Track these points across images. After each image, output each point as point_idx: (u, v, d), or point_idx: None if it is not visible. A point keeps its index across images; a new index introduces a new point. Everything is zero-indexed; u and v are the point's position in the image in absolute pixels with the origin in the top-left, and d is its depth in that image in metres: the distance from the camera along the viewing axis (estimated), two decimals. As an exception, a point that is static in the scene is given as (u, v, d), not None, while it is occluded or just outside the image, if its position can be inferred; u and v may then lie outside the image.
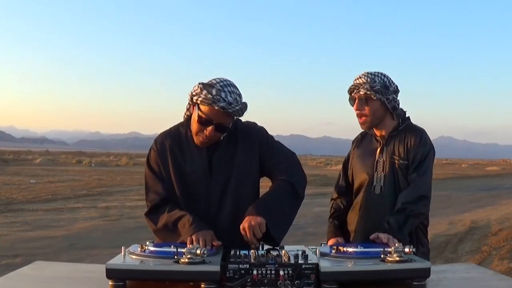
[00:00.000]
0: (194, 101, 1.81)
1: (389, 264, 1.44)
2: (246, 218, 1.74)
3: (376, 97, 2.01)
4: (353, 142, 2.29)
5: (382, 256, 1.48)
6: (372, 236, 1.83)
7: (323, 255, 1.52)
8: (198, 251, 1.40)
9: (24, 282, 1.59)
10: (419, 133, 2.07)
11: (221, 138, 1.88)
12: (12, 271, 1.69)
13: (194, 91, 1.81)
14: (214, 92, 1.76)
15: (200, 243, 1.66)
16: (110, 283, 1.39)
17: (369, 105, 2.03)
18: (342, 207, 2.20)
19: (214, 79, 1.82)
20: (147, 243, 1.61)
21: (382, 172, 2.06)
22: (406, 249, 1.47)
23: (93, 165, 34.99)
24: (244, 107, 1.82)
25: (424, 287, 1.43)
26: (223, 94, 1.76)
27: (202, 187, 1.89)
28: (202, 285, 1.37)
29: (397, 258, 1.44)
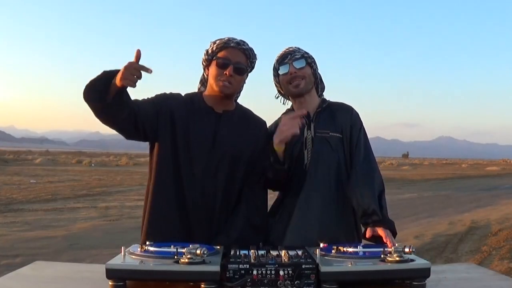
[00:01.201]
0: (210, 53, 1.95)
1: (389, 264, 1.44)
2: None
3: (311, 61, 2.07)
4: (271, 129, 2.12)
5: (382, 256, 1.48)
6: (368, 234, 1.83)
7: (323, 255, 1.52)
8: (198, 251, 1.40)
9: (24, 282, 1.59)
10: (349, 108, 2.11)
11: (241, 83, 2.00)
12: (12, 271, 1.69)
13: (208, 48, 1.97)
14: (225, 38, 1.95)
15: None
16: (110, 283, 1.39)
17: (304, 69, 2.06)
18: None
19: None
20: (147, 243, 1.61)
21: (310, 149, 2.03)
22: (406, 249, 1.47)
23: (93, 165, 35.00)
24: (254, 52, 1.98)
25: (424, 287, 1.43)
26: (232, 37, 1.95)
27: (202, 156, 1.91)
28: (202, 285, 1.37)
29: (397, 258, 1.44)
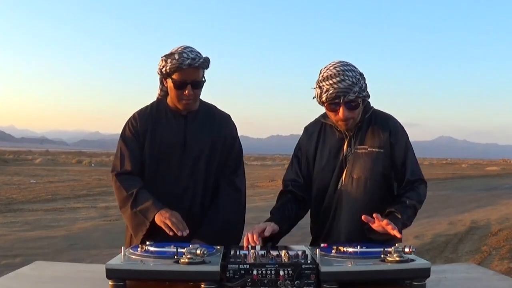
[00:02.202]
0: (164, 73, 1.95)
1: (389, 264, 1.44)
2: None
3: (364, 94, 1.87)
4: (309, 131, 2.06)
5: (382, 256, 1.48)
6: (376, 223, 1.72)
7: (323, 255, 1.52)
8: (198, 251, 1.40)
9: (24, 282, 1.59)
10: (389, 120, 1.97)
11: (199, 96, 2.02)
12: (12, 271, 1.69)
13: (160, 65, 1.96)
14: (176, 57, 1.91)
15: (170, 222, 1.80)
16: (110, 283, 1.39)
17: (357, 106, 1.87)
18: (296, 204, 2.00)
19: (173, 48, 1.97)
20: (147, 243, 1.61)
21: (356, 165, 1.92)
22: (406, 249, 1.47)
23: (93, 165, 34.98)
24: (207, 59, 1.97)
25: (424, 287, 1.43)
26: (184, 55, 1.92)
27: (175, 160, 2.02)
28: (202, 285, 1.37)
29: (397, 258, 1.44)
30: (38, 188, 15.17)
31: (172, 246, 1.51)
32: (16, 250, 6.22)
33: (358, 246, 1.58)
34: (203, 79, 1.99)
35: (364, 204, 1.90)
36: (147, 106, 2.11)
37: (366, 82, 1.90)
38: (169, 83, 1.97)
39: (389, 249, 1.48)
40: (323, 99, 1.85)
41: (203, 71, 1.99)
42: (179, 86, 1.94)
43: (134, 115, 2.08)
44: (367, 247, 1.59)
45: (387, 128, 1.94)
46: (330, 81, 1.82)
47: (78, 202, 11.83)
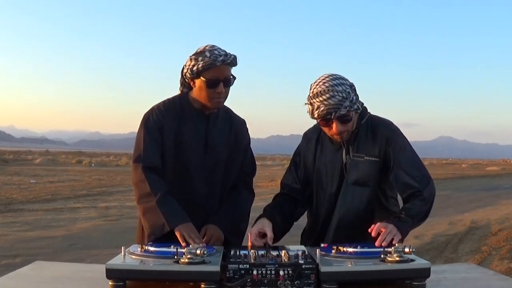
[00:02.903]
0: (195, 72, 1.90)
1: (389, 264, 1.44)
2: None
3: (355, 107, 1.87)
4: (307, 137, 2.09)
5: (382, 256, 1.48)
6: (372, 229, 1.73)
7: (323, 255, 1.52)
8: (198, 251, 1.40)
9: (24, 282, 1.59)
10: (386, 128, 1.95)
11: (228, 94, 1.98)
12: (12, 271, 1.69)
13: (190, 64, 1.92)
14: (208, 54, 1.89)
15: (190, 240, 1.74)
16: (110, 283, 1.39)
17: (351, 121, 1.88)
18: (291, 203, 2.03)
19: (199, 48, 1.94)
20: (147, 243, 1.61)
21: (352, 173, 1.93)
22: (406, 249, 1.47)
23: (93, 165, 34.98)
24: (236, 56, 1.95)
25: (424, 287, 1.43)
26: (216, 52, 1.89)
27: (198, 162, 1.99)
28: (202, 285, 1.37)
29: (397, 258, 1.44)
30: (38, 188, 15.17)
31: (172, 246, 1.51)
32: (16, 250, 6.22)
33: (358, 246, 1.58)
34: (234, 77, 1.97)
35: (360, 211, 1.93)
36: (170, 99, 2.05)
37: (356, 92, 1.90)
38: (199, 82, 1.92)
39: (389, 249, 1.48)
40: (315, 116, 1.87)
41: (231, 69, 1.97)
42: (212, 84, 1.90)
43: (159, 106, 2.01)
44: (367, 247, 1.59)
45: (383, 136, 1.93)
46: (320, 98, 1.83)
47: (78, 202, 11.83)
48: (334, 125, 1.86)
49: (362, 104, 1.96)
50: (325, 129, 1.93)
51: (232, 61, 1.92)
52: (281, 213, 1.97)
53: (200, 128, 2.00)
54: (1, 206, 10.62)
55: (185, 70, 1.95)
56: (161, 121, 1.97)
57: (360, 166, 1.93)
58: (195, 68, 1.90)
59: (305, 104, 1.91)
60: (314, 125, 2.08)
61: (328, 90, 1.82)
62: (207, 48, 1.92)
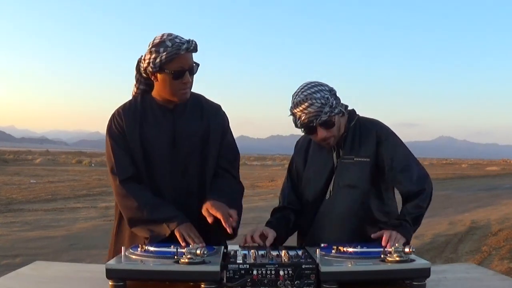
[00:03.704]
0: (157, 64, 1.77)
1: (389, 264, 1.44)
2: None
3: (337, 110, 1.87)
4: (298, 146, 2.11)
5: (382, 256, 1.48)
6: (374, 235, 1.78)
7: (323, 255, 1.52)
8: (198, 251, 1.40)
9: (24, 282, 1.59)
10: (374, 127, 1.95)
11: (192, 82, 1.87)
12: (12, 271, 1.69)
13: (150, 58, 1.78)
14: (169, 44, 1.76)
15: (190, 240, 1.69)
16: (110, 283, 1.39)
17: (334, 125, 1.88)
18: (291, 218, 2.02)
19: (155, 39, 1.80)
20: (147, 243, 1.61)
21: (342, 175, 1.93)
22: (406, 249, 1.47)
23: (93, 165, 34.98)
24: (195, 41, 1.82)
25: (424, 287, 1.43)
26: (177, 40, 1.77)
27: (166, 158, 1.89)
28: (202, 285, 1.37)
29: (397, 258, 1.44)
30: (38, 188, 15.17)
31: (172, 246, 1.51)
32: (16, 250, 6.22)
33: (358, 246, 1.58)
34: (197, 64, 1.85)
35: (352, 213, 1.92)
36: (130, 101, 1.96)
37: (337, 96, 1.90)
38: (162, 76, 1.81)
39: (389, 249, 1.48)
40: (299, 125, 1.89)
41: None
42: (178, 75, 1.79)
43: (118, 111, 1.92)
44: (367, 247, 1.59)
45: (373, 135, 1.94)
46: (300, 108, 1.85)
47: (78, 202, 11.84)
48: (318, 132, 1.88)
49: (346, 107, 1.97)
50: (312, 137, 1.95)
51: (194, 47, 1.81)
52: (285, 226, 1.98)
53: (166, 123, 1.90)
54: (1, 206, 10.63)
55: (144, 65, 1.82)
56: (122, 126, 1.89)
57: (350, 168, 1.93)
58: (157, 60, 1.77)
59: (289, 115, 1.93)
60: (304, 134, 2.07)
61: (307, 98, 1.83)
62: (165, 37, 1.78)
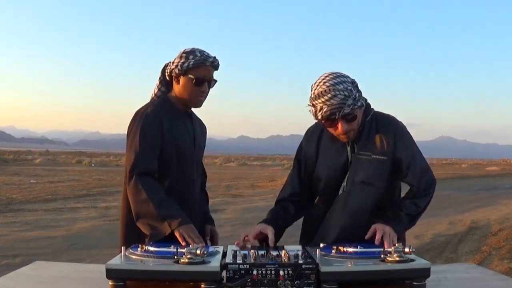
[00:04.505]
0: (185, 68, 1.97)
1: (389, 264, 1.44)
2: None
3: (359, 104, 1.83)
4: (309, 135, 2.04)
5: (382, 256, 1.48)
6: (367, 236, 1.77)
7: (323, 255, 1.52)
8: (198, 251, 1.40)
9: (24, 282, 1.59)
10: (393, 125, 1.93)
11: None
12: (12, 271, 1.69)
13: (179, 61, 1.99)
14: (198, 54, 1.99)
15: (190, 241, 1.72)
16: (110, 283, 1.39)
17: (354, 118, 1.84)
18: (291, 211, 1.99)
19: (186, 48, 2.02)
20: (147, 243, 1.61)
21: (358, 171, 1.89)
22: (406, 249, 1.47)
23: (93, 165, 34.98)
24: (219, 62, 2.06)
25: (424, 287, 1.43)
26: (205, 53, 2.01)
27: (192, 156, 2.09)
28: (202, 285, 1.37)
29: (397, 258, 1.44)
30: (38, 188, 15.17)
31: (172, 246, 1.51)
32: (16, 250, 6.22)
33: (358, 246, 1.58)
34: (215, 80, 2.07)
35: (364, 209, 1.90)
36: (158, 101, 2.07)
37: (359, 89, 1.86)
38: (185, 80, 2.00)
39: (389, 249, 1.48)
40: (319, 117, 1.83)
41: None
42: (199, 82, 1.99)
43: (152, 110, 2.00)
44: (367, 247, 1.59)
45: (391, 134, 1.91)
46: (323, 99, 1.78)
47: (78, 202, 11.83)
48: (339, 125, 1.82)
49: (366, 100, 1.92)
50: (331, 130, 1.89)
51: (218, 64, 2.04)
52: (284, 219, 1.95)
53: (189, 125, 2.11)
54: (1, 206, 10.62)
55: (172, 67, 2.01)
56: (158, 125, 1.97)
57: (366, 164, 1.89)
58: (185, 64, 1.97)
59: (308, 105, 1.87)
60: (316, 123, 2.01)
61: (330, 90, 1.77)
62: (196, 48, 2.01)
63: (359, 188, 1.89)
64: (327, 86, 1.78)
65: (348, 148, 1.93)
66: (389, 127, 1.92)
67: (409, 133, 1.97)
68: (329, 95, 1.77)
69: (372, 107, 1.97)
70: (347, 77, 1.84)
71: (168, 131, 2.00)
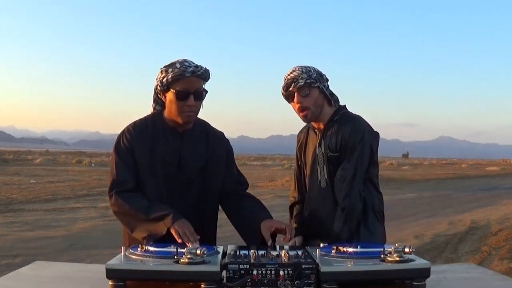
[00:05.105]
0: (165, 83, 1.88)
1: (389, 264, 1.44)
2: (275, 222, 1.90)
3: (316, 85, 2.02)
4: (298, 138, 2.28)
5: (382, 256, 1.48)
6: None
7: (323, 255, 1.52)
8: (198, 251, 1.40)
9: (24, 282, 1.59)
10: (352, 121, 2.05)
11: (200, 108, 1.94)
12: (12, 271, 1.69)
13: (160, 77, 1.90)
14: (178, 66, 1.87)
15: (185, 237, 1.70)
16: (110, 283, 1.39)
17: (309, 95, 2.03)
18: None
19: (172, 61, 1.91)
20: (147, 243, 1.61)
21: (323, 166, 2.07)
22: (406, 249, 1.47)
23: (93, 165, 34.98)
24: (208, 70, 1.92)
25: (424, 287, 1.43)
26: (186, 64, 1.87)
27: (172, 175, 1.95)
28: (202, 285, 1.37)
29: (397, 258, 1.44)
30: (38, 188, 15.17)
31: (172, 246, 1.51)
32: (16, 250, 6.22)
33: (358, 246, 1.58)
34: (205, 91, 1.93)
35: (327, 204, 2.05)
36: (142, 119, 2.01)
37: (324, 81, 2.06)
38: (169, 95, 1.90)
39: (389, 249, 1.48)
40: (282, 92, 2.07)
41: (204, 83, 1.93)
42: (182, 96, 1.86)
43: (128, 128, 1.97)
44: (367, 247, 1.59)
45: (347, 131, 2.02)
46: (285, 76, 2.07)
47: (78, 202, 11.84)
48: (295, 97, 2.03)
49: (336, 99, 2.10)
50: (293, 106, 2.07)
51: (202, 73, 1.88)
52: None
53: (174, 146, 1.95)
54: (1, 206, 10.62)
55: (156, 83, 1.92)
56: (132, 144, 1.93)
57: (324, 160, 2.06)
58: (165, 79, 1.87)
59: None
60: (303, 126, 2.25)
61: (295, 69, 2.05)
62: (178, 60, 1.89)
63: (321, 184, 2.08)
64: (292, 68, 2.07)
65: (317, 144, 2.10)
66: (349, 126, 2.03)
67: (366, 135, 2.02)
68: (290, 71, 2.06)
69: (347, 109, 2.10)
70: (317, 70, 2.07)
71: (140, 151, 1.92)
